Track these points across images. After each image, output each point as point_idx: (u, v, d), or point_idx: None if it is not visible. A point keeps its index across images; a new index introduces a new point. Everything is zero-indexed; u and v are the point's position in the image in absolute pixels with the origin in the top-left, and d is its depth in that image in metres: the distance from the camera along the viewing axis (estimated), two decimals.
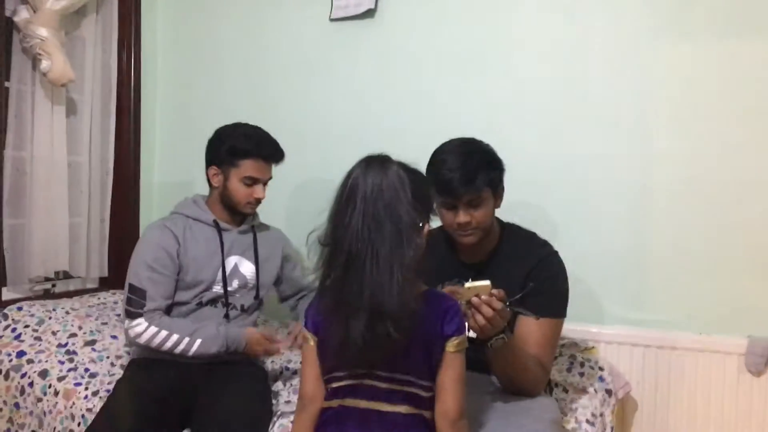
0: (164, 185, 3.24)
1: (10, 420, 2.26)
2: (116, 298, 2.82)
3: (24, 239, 2.65)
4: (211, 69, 3.16)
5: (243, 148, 2.19)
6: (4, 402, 2.27)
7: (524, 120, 2.62)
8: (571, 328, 2.33)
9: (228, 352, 2.12)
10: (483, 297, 1.58)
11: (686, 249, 2.43)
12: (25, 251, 2.64)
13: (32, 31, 2.50)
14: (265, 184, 2.25)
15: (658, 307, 2.47)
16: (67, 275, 2.88)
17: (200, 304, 2.20)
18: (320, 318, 1.44)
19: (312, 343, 1.47)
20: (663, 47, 2.44)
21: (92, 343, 2.41)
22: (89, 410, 2.09)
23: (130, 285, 2.13)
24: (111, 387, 2.13)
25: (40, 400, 2.19)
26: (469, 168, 1.80)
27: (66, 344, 2.37)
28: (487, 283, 1.58)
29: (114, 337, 2.48)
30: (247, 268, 2.28)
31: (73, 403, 2.13)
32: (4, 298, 2.60)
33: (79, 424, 2.09)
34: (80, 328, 2.47)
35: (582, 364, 2.30)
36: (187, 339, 2.09)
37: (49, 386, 2.20)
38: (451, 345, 1.39)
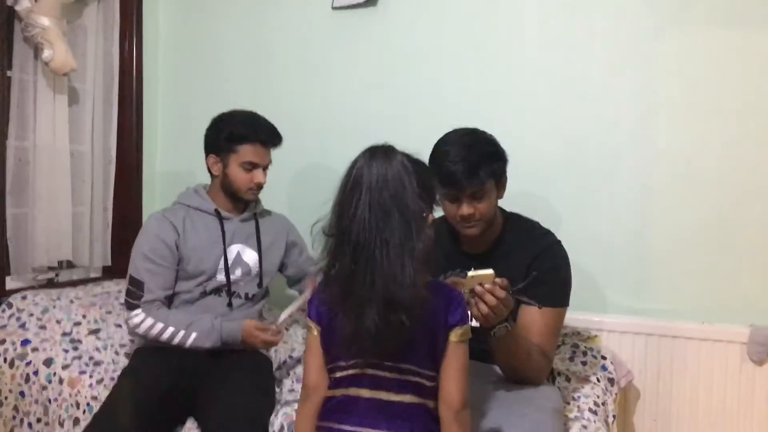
0: (167, 174, 3.24)
1: (16, 408, 2.27)
2: (120, 287, 2.81)
3: (27, 228, 2.65)
4: (213, 57, 3.15)
5: (240, 134, 2.19)
6: (10, 390, 2.28)
7: (526, 110, 2.61)
8: (574, 317, 2.33)
9: (224, 345, 2.13)
10: (486, 286, 1.58)
11: (688, 238, 2.43)
12: (29, 240, 2.65)
13: (34, 20, 2.50)
14: (265, 169, 2.25)
15: (661, 296, 2.48)
16: (70, 264, 2.88)
17: (204, 294, 2.21)
18: (325, 308, 1.44)
19: (315, 332, 1.47)
20: (664, 40, 2.43)
21: (96, 331, 2.42)
22: (94, 398, 2.11)
23: (130, 276, 2.16)
24: (116, 375, 2.14)
25: (45, 388, 2.21)
26: (473, 160, 1.79)
27: (70, 333, 2.39)
28: (490, 272, 1.58)
29: (118, 325, 2.49)
30: (250, 256, 2.28)
31: (78, 391, 2.15)
32: (8, 287, 2.61)
33: (84, 412, 2.11)
34: (84, 316, 2.48)
35: (584, 353, 2.31)
36: (182, 332, 2.10)
37: (54, 374, 2.21)
38: (455, 335, 1.39)
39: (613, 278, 2.53)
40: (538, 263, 1.88)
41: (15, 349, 2.31)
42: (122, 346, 2.39)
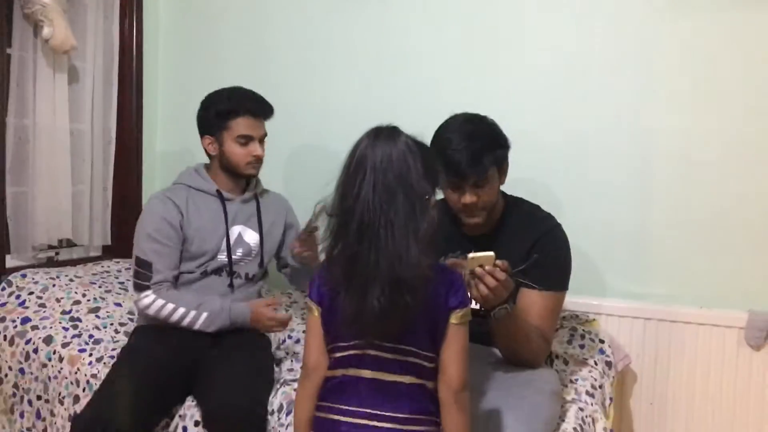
0: (167, 153, 3.23)
1: (16, 385, 2.28)
2: (120, 267, 2.83)
3: (27, 207, 2.65)
4: (213, 35, 3.14)
5: (229, 108, 2.19)
6: (9, 368, 2.29)
7: (527, 99, 2.60)
8: (573, 300, 2.34)
9: (233, 326, 2.14)
10: (487, 267, 1.59)
11: (687, 223, 2.43)
12: (29, 219, 2.65)
13: None
14: (261, 141, 2.25)
15: (659, 280, 2.48)
16: (70, 243, 2.89)
17: (205, 274, 2.21)
18: (326, 288, 1.44)
19: (316, 313, 1.47)
20: (664, 24, 2.42)
21: (96, 310, 2.43)
22: (94, 376, 2.12)
23: (137, 258, 2.14)
24: (115, 354, 2.15)
25: (45, 365, 2.22)
26: (476, 148, 1.78)
27: (70, 311, 2.39)
28: (490, 254, 1.59)
29: (118, 304, 2.50)
30: (251, 237, 2.28)
31: (78, 369, 2.16)
32: (7, 265, 2.61)
33: (84, 390, 2.11)
34: (84, 295, 2.48)
35: (582, 337, 2.32)
36: (193, 313, 2.11)
37: (54, 352, 2.22)
38: (455, 317, 1.40)
39: (613, 262, 2.53)
40: (538, 247, 1.89)
41: (15, 327, 2.32)
42: (122, 324, 2.40)
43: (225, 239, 2.22)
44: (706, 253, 2.42)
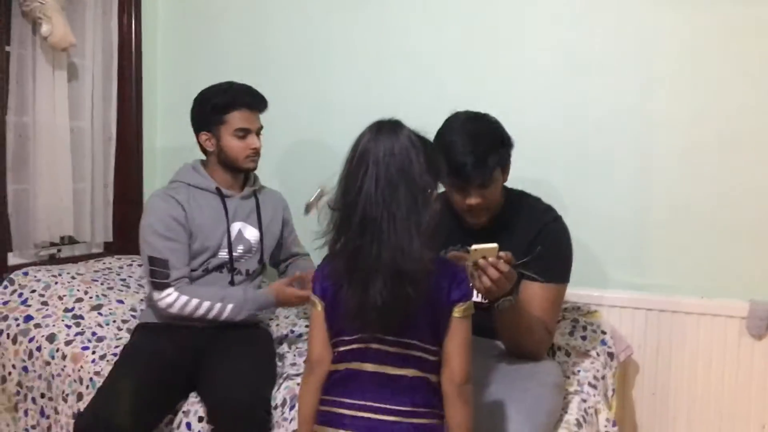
0: (167, 149, 3.23)
1: (19, 383, 2.29)
2: (122, 263, 2.83)
3: (28, 204, 2.65)
4: (212, 31, 3.13)
5: (225, 102, 2.19)
6: (13, 366, 2.29)
7: (526, 90, 2.60)
8: (574, 292, 2.34)
9: (259, 311, 2.18)
10: (490, 259, 1.59)
11: (688, 213, 2.43)
12: (30, 217, 2.65)
13: None
14: (257, 134, 2.25)
15: (661, 271, 2.49)
16: (72, 240, 2.89)
17: (206, 271, 2.22)
18: (328, 283, 1.45)
19: (320, 308, 1.47)
20: (664, 21, 2.42)
21: (99, 307, 2.43)
22: (97, 374, 2.12)
23: (150, 258, 2.12)
24: (118, 351, 2.15)
25: (48, 363, 2.22)
26: (480, 151, 1.77)
27: (72, 309, 2.39)
28: (494, 245, 1.59)
29: (120, 301, 2.50)
30: (251, 233, 2.29)
31: (81, 367, 2.16)
32: (9, 263, 2.61)
33: (87, 387, 2.12)
34: (86, 292, 2.48)
35: (584, 328, 2.32)
36: (218, 305, 2.12)
37: (57, 350, 2.23)
38: (458, 310, 1.40)
39: (614, 254, 2.53)
40: (540, 239, 1.89)
41: (18, 325, 2.32)
42: (124, 321, 2.40)
43: (226, 236, 2.22)
44: (707, 243, 2.42)
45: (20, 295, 2.43)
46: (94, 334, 2.30)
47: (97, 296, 2.49)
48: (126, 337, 2.27)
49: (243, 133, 2.20)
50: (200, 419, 1.95)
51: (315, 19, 2.93)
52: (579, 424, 1.81)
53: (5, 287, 2.45)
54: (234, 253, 2.24)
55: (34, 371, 2.25)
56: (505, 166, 1.88)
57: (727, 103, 2.36)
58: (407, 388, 1.39)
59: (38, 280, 2.48)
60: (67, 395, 2.16)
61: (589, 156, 2.54)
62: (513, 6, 2.61)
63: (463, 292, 1.41)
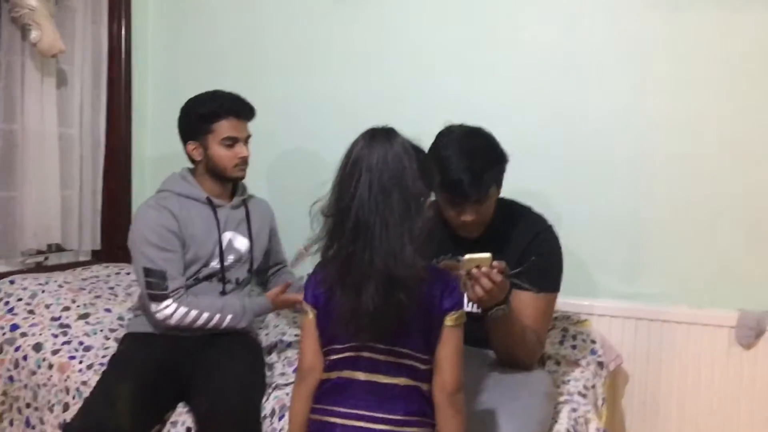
0: (156, 157, 3.21)
1: (5, 393, 2.26)
2: (109, 271, 2.81)
3: (15, 212, 2.63)
4: (203, 40, 3.12)
5: (212, 111, 2.18)
6: None
7: (518, 94, 2.61)
8: (565, 301, 2.34)
9: (256, 318, 2.22)
10: (483, 269, 1.59)
11: (678, 223, 2.45)
12: (17, 224, 2.63)
13: (21, 1, 2.46)
14: (245, 143, 2.24)
15: (651, 280, 2.50)
16: (59, 248, 2.87)
17: (197, 280, 2.20)
18: (321, 291, 1.44)
19: (311, 315, 1.47)
20: (655, 16, 2.43)
21: (86, 316, 2.40)
22: (84, 383, 2.10)
23: (146, 269, 2.09)
24: (106, 360, 2.13)
25: (34, 373, 2.19)
26: (477, 168, 1.75)
27: (59, 318, 2.37)
28: (487, 255, 1.59)
29: (107, 310, 2.47)
30: (241, 243, 2.28)
31: (68, 377, 2.14)
32: None
33: (74, 397, 2.09)
34: (73, 301, 2.46)
35: (574, 337, 2.33)
36: (218, 315, 2.11)
37: (44, 359, 2.20)
38: (450, 319, 1.40)
39: (604, 263, 2.54)
40: (531, 248, 1.89)
41: (3, 335, 2.29)
42: (112, 330, 2.38)
43: (218, 246, 2.21)
44: (697, 253, 2.43)
45: (6, 303, 2.40)
46: (81, 343, 2.27)
47: (85, 305, 2.46)
48: (113, 346, 2.25)
49: (231, 141, 2.18)
50: (188, 430, 1.93)
51: (307, 25, 2.93)
52: None
53: None
54: (225, 263, 2.23)
55: (20, 381, 2.22)
56: (499, 181, 1.87)
57: (721, 111, 2.38)
58: (399, 396, 1.39)
59: (25, 289, 2.46)
60: (53, 405, 2.13)
61: (579, 165, 2.54)
62: (509, 9, 2.62)
63: (455, 301, 1.41)
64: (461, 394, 1.42)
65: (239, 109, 2.21)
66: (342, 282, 1.37)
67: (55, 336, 2.28)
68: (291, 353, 2.28)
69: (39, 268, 2.77)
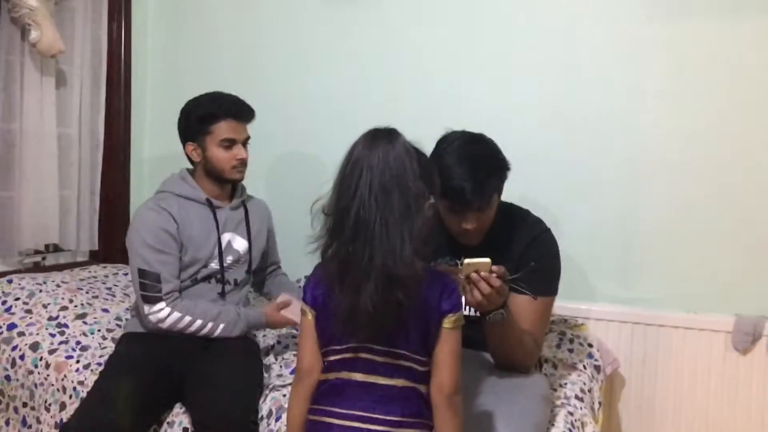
0: (155, 157, 3.22)
1: (1, 392, 2.26)
2: (107, 272, 2.81)
3: (13, 212, 2.63)
4: (202, 41, 3.13)
5: (210, 113, 2.18)
6: None
7: (513, 97, 2.62)
8: (562, 305, 2.35)
9: (249, 330, 2.20)
10: (482, 274, 1.59)
11: (675, 228, 2.45)
12: (15, 224, 2.63)
13: (21, 1, 2.46)
14: (244, 144, 2.24)
15: (647, 285, 2.50)
16: (57, 248, 2.87)
17: (195, 281, 2.20)
18: (320, 291, 1.45)
19: (310, 316, 1.47)
20: (657, 23, 2.44)
21: (83, 316, 2.40)
22: (81, 383, 2.10)
23: (141, 270, 2.09)
24: (103, 360, 2.13)
25: (31, 372, 2.19)
26: (480, 178, 1.74)
27: (57, 317, 2.37)
28: (487, 260, 1.59)
29: (105, 310, 2.47)
30: (240, 244, 2.28)
31: (65, 376, 2.13)
32: None
33: (70, 397, 2.09)
34: (71, 301, 2.46)
35: (571, 341, 2.33)
36: (210, 324, 2.11)
37: (41, 359, 2.20)
38: (448, 321, 1.40)
39: (601, 267, 2.55)
40: (529, 251, 1.89)
41: (0, 333, 2.29)
42: (109, 330, 2.38)
43: (217, 247, 2.22)
44: (694, 257, 2.44)
45: (4, 302, 2.40)
46: (78, 343, 2.27)
47: (82, 305, 2.46)
48: (111, 346, 2.25)
49: (229, 143, 2.19)
50: (185, 430, 1.93)
51: (305, 27, 2.93)
52: None
53: None
54: (224, 264, 2.23)
55: (17, 380, 2.22)
56: (501, 189, 1.86)
57: (715, 111, 2.39)
58: (397, 398, 1.39)
59: (22, 288, 2.46)
60: (50, 405, 2.13)
61: (576, 169, 2.55)
62: (504, 11, 2.63)
63: (453, 303, 1.41)
64: (459, 397, 1.42)
65: (238, 110, 2.21)
66: (341, 280, 1.37)
67: (53, 335, 2.28)
68: (288, 355, 2.28)
69: (37, 268, 2.77)
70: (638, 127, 2.48)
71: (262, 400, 1.96)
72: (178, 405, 1.99)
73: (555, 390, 2.04)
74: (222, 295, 2.23)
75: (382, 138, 1.36)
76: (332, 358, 1.44)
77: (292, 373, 2.01)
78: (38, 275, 2.58)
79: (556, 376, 2.14)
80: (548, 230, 1.98)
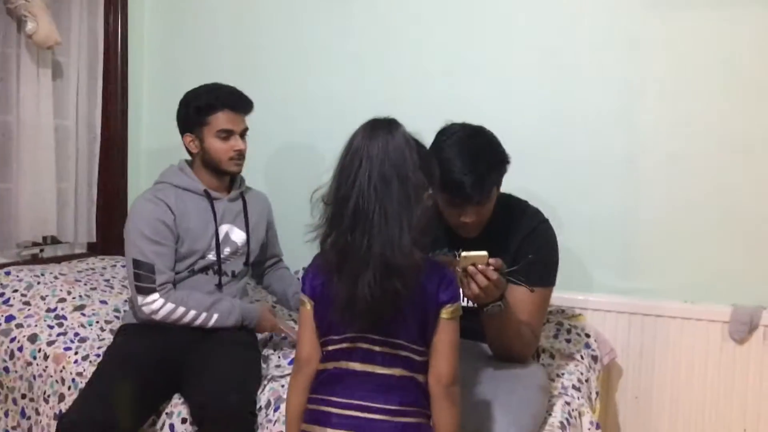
0: (152, 149, 3.21)
1: (0, 384, 2.26)
2: (105, 264, 2.81)
3: (11, 204, 2.63)
4: (200, 32, 3.12)
5: (208, 104, 2.18)
6: None
7: (512, 91, 2.62)
8: (559, 295, 2.33)
9: (242, 325, 2.18)
10: (480, 266, 1.59)
11: (672, 218, 2.46)
12: (12, 216, 2.63)
13: None
14: (242, 136, 2.23)
15: (645, 275, 2.51)
16: (55, 240, 2.87)
17: (193, 272, 2.20)
18: (319, 281, 1.45)
19: (309, 306, 1.48)
20: (653, 16, 2.44)
21: (81, 308, 2.41)
22: (79, 374, 2.10)
23: (135, 261, 2.10)
24: (101, 352, 2.13)
25: (29, 364, 2.20)
26: (481, 171, 1.73)
27: (55, 309, 2.37)
28: (484, 253, 1.59)
29: (103, 302, 2.48)
30: (238, 236, 2.28)
31: (63, 368, 2.14)
32: None
33: (69, 388, 2.10)
34: (69, 293, 2.46)
35: (569, 331, 2.33)
36: (204, 314, 2.12)
37: (39, 350, 2.20)
38: (446, 312, 1.40)
39: (599, 258, 2.55)
40: (527, 242, 1.90)
41: None
42: (107, 322, 2.38)
43: (214, 239, 2.22)
44: (691, 248, 2.44)
45: (2, 294, 2.40)
46: (76, 334, 2.27)
47: (80, 297, 2.46)
48: (109, 338, 2.25)
49: (226, 134, 2.18)
50: (183, 420, 1.94)
51: (303, 17, 2.93)
52: (563, 427, 1.81)
53: None
54: (221, 255, 2.23)
55: (15, 372, 2.23)
56: (500, 182, 1.86)
57: (714, 108, 2.39)
58: (395, 387, 1.40)
59: (20, 280, 2.46)
60: (48, 396, 2.13)
61: (575, 160, 2.55)
62: (502, 8, 2.62)
63: (451, 294, 1.41)
64: (457, 387, 1.43)
65: (235, 101, 2.21)
66: (339, 270, 1.37)
67: (51, 327, 2.29)
68: (286, 345, 2.29)
69: (35, 260, 2.77)
70: (639, 119, 2.47)
71: (260, 390, 1.96)
72: (176, 395, 1.99)
73: (552, 380, 2.05)
74: (219, 286, 2.23)
75: (382, 128, 1.36)
76: (331, 347, 1.44)
77: (290, 363, 2.02)
78: (36, 267, 2.58)
79: (553, 366, 2.15)
80: (546, 221, 1.99)
